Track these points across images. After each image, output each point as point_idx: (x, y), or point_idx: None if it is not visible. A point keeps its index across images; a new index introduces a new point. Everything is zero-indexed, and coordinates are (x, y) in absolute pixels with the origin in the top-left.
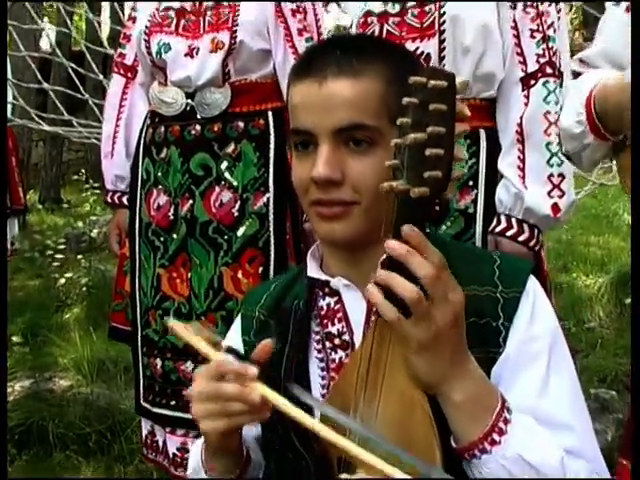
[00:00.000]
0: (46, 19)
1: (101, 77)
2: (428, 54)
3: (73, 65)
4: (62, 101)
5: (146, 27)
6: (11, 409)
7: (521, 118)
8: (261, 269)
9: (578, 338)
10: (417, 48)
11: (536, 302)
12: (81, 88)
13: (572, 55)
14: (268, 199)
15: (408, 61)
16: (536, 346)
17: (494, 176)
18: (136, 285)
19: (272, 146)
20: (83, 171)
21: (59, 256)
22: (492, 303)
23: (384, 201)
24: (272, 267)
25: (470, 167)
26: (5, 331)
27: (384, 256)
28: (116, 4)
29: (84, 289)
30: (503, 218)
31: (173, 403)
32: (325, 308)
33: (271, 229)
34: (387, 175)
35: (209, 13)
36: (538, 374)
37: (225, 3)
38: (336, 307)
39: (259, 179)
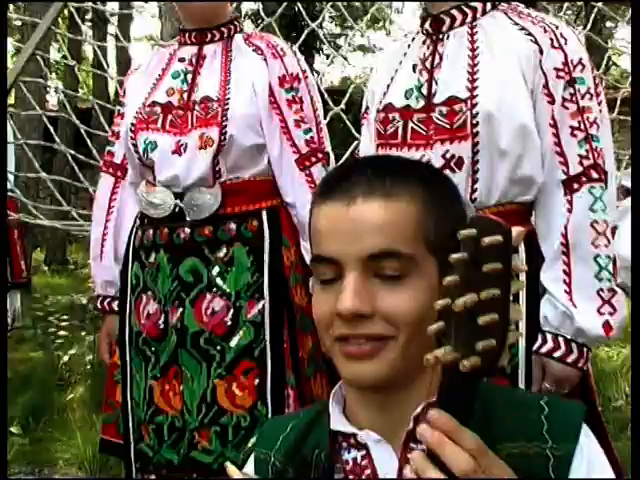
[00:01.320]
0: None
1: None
2: (460, 158)
3: (72, 151)
4: (60, 191)
5: (132, 124)
6: None
7: (565, 228)
8: (257, 381)
9: (605, 419)
10: (447, 151)
11: (591, 458)
12: (81, 176)
13: None
14: (263, 306)
15: (445, 183)
16: None
17: (536, 287)
18: (128, 397)
19: (267, 249)
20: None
21: (62, 333)
22: (541, 462)
23: (424, 335)
24: (269, 379)
25: None
26: (5, 427)
27: (418, 410)
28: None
29: (88, 367)
30: (549, 337)
31: None
32: (351, 463)
33: (267, 338)
34: (425, 306)
35: (197, 107)
36: None
37: (214, 97)
38: (363, 462)
39: (253, 285)
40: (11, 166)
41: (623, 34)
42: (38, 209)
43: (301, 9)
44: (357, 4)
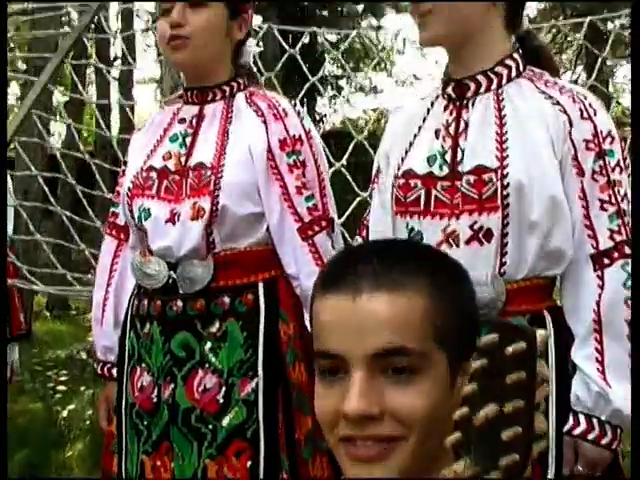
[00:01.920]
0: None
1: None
2: (489, 230)
3: (68, 213)
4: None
5: (129, 189)
6: None
7: (598, 305)
8: (250, 463)
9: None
10: (475, 222)
11: None
12: (76, 237)
13: None
14: (257, 384)
15: (453, 270)
16: None
17: (564, 365)
18: (122, 469)
19: (262, 324)
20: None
21: (61, 387)
22: None
23: (436, 435)
24: (262, 461)
25: None
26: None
27: None
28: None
29: (87, 422)
30: (582, 418)
31: None
32: None
33: (260, 418)
34: (437, 403)
35: (191, 174)
36: None
37: (208, 164)
38: None
39: (246, 362)
40: (9, 228)
41: (624, 71)
42: (34, 272)
43: (302, 65)
44: (358, 46)
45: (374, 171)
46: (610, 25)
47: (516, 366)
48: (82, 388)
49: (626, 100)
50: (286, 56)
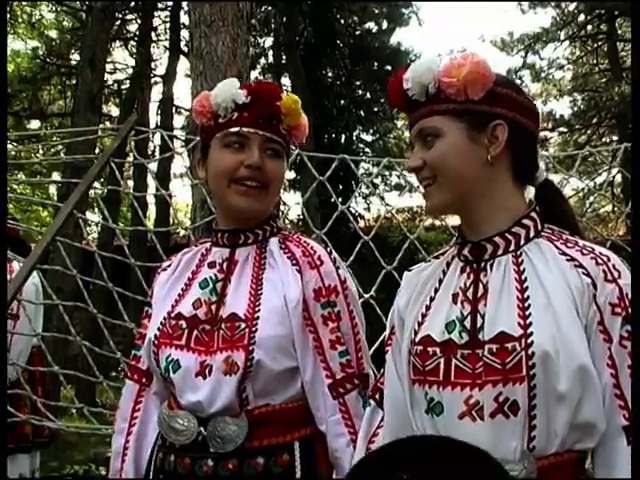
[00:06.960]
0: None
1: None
2: (515, 402)
3: (101, 316)
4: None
5: (155, 336)
6: None
7: None
8: None
9: None
10: (500, 394)
11: None
12: (107, 335)
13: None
14: None
15: None
16: None
17: None
18: None
19: None
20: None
21: None
22: None
23: None
24: None
25: None
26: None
27: None
28: None
29: None
30: None
31: None
32: None
33: None
34: None
35: (224, 326)
36: None
37: (241, 316)
38: None
39: None
40: (39, 326)
41: None
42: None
43: (335, 198)
44: (392, 142)
45: (387, 330)
46: None
47: None
48: None
49: None
50: (316, 182)
